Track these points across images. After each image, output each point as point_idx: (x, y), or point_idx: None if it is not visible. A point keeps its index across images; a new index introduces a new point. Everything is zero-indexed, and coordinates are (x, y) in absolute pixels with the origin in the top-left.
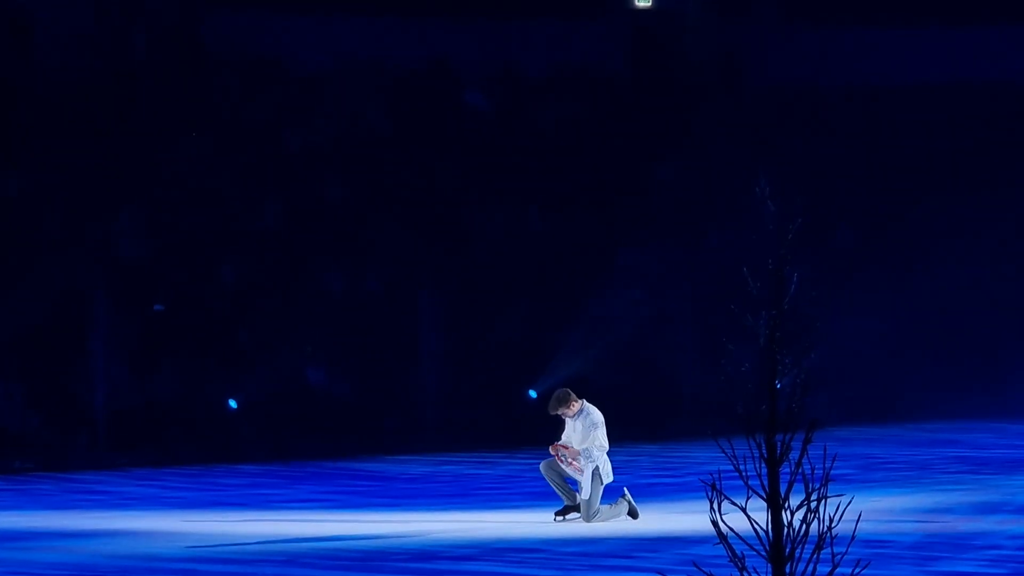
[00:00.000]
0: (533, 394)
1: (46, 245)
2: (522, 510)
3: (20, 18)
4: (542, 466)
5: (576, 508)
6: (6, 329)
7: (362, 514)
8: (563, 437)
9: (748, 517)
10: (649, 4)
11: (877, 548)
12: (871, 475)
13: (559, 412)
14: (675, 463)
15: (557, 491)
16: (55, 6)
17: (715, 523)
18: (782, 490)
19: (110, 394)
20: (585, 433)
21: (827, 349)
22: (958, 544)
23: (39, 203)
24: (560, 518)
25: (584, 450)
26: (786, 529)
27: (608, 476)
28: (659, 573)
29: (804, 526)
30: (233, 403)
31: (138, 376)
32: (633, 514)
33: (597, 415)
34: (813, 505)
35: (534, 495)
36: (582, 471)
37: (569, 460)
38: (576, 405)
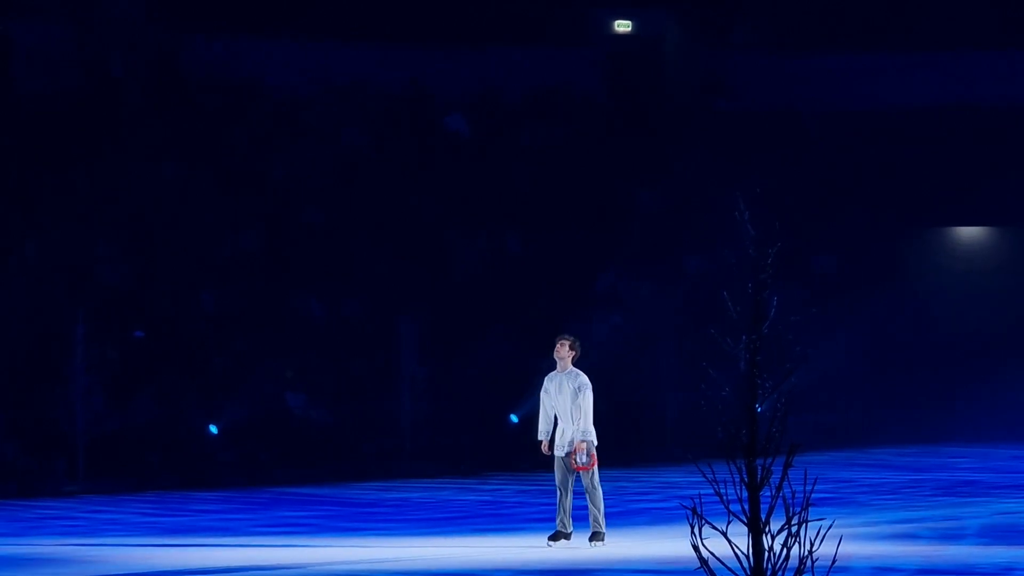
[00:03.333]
0: (514, 419)
1: (24, 272)
2: (504, 534)
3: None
4: (560, 480)
5: (567, 536)
6: None
7: (341, 539)
8: (545, 396)
9: (729, 542)
10: (629, 29)
11: (858, 571)
12: (851, 499)
13: (566, 350)
14: (656, 488)
15: (560, 513)
16: (33, 31)
17: (696, 548)
18: (763, 514)
19: (89, 420)
20: (574, 394)
21: (807, 373)
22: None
23: (19, 229)
24: (552, 543)
25: (586, 432)
26: (767, 553)
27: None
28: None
29: (785, 550)
30: (214, 428)
31: (117, 402)
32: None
33: (585, 377)
34: (794, 529)
35: (515, 519)
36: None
37: (584, 458)
38: (575, 355)
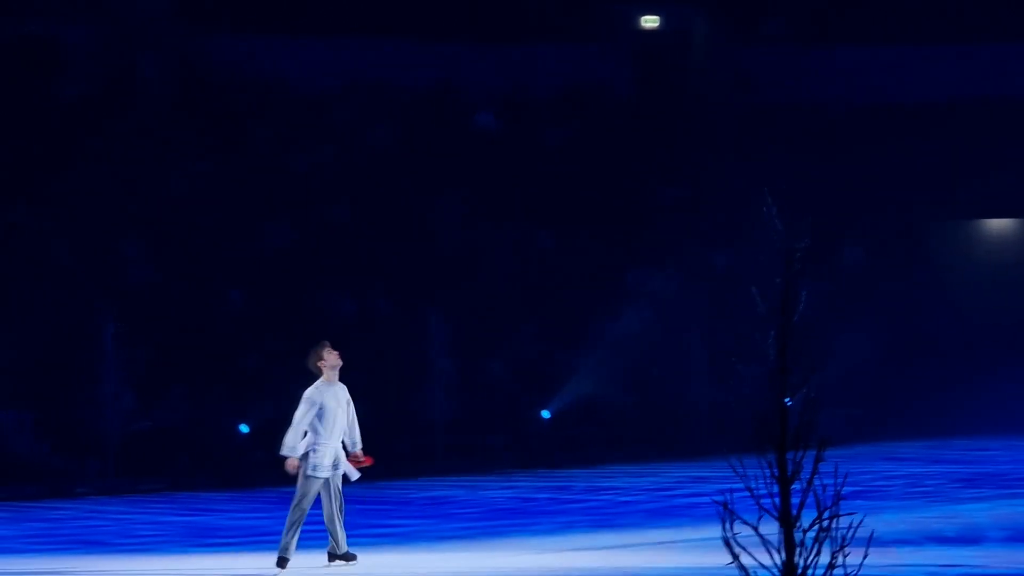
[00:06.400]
0: (546, 415)
1: (55, 272)
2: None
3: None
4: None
5: (343, 557)
6: (16, 357)
7: (375, 537)
8: (326, 411)
9: (760, 536)
10: (656, 25)
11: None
12: (882, 492)
13: (325, 362)
14: (687, 483)
15: (337, 532)
16: (60, 31)
17: (727, 542)
18: (794, 509)
19: (120, 420)
20: (347, 407)
21: (835, 366)
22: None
23: (47, 231)
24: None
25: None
26: (798, 548)
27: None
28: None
29: (816, 544)
30: (245, 428)
31: (147, 402)
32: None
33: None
34: (825, 524)
35: (547, 514)
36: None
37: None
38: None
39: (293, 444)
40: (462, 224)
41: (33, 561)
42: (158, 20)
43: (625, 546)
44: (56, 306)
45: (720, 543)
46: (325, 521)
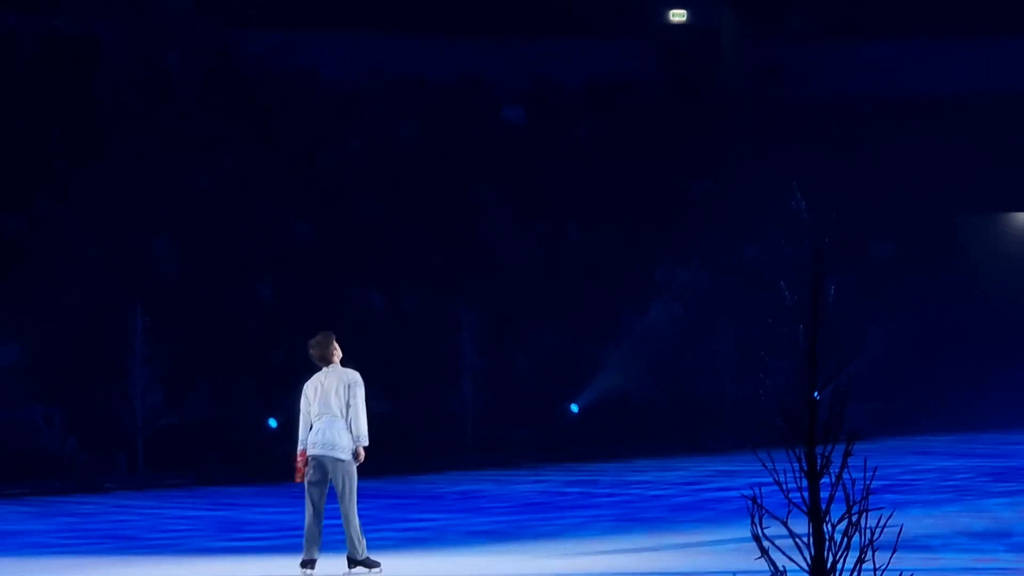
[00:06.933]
0: (575, 408)
1: (83, 267)
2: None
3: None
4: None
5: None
6: (44, 352)
7: (404, 532)
8: (314, 398)
9: (789, 531)
10: (684, 19)
11: (918, 561)
12: (911, 486)
13: (326, 356)
14: (716, 477)
15: (311, 535)
16: (89, 28)
17: (756, 537)
18: (823, 503)
19: (148, 415)
20: (349, 392)
21: (865, 359)
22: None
23: (76, 226)
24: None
25: (360, 438)
26: (827, 543)
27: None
28: None
29: (846, 539)
30: (273, 422)
31: (175, 397)
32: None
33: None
34: (854, 518)
35: (576, 508)
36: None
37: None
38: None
39: (301, 437)
40: (490, 218)
41: (70, 560)
42: (187, 16)
43: (650, 549)
44: (84, 301)
45: (744, 543)
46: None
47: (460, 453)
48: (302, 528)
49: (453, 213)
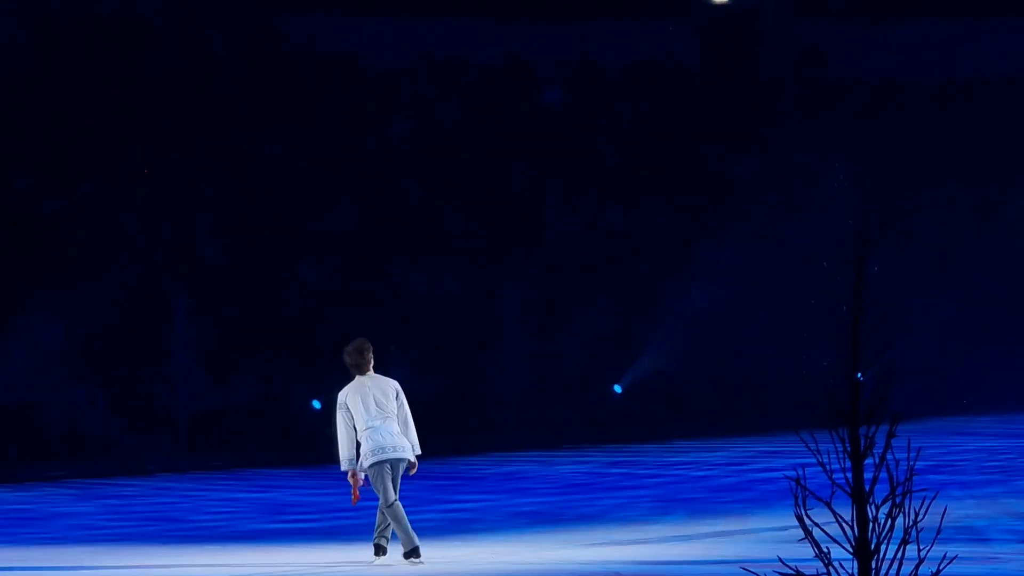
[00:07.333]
0: (618, 389)
1: (126, 249)
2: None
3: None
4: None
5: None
6: (87, 334)
7: (448, 513)
8: (362, 408)
9: (833, 512)
10: (726, 0)
11: (962, 542)
12: (955, 467)
13: (362, 365)
14: (756, 458)
15: (405, 530)
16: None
17: (800, 518)
18: (866, 484)
19: (191, 397)
20: (399, 400)
21: (908, 340)
22: None
23: (119, 207)
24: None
25: (416, 447)
26: (871, 523)
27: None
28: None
29: (890, 521)
30: (317, 404)
31: (218, 378)
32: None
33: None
34: (898, 499)
35: (619, 489)
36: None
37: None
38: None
39: (347, 456)
40: (534, 200)
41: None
42: None
43: (685, 537)
44: (128, 283)
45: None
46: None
47: (504, 434)
48: (346, 509)
49: (496, 195)
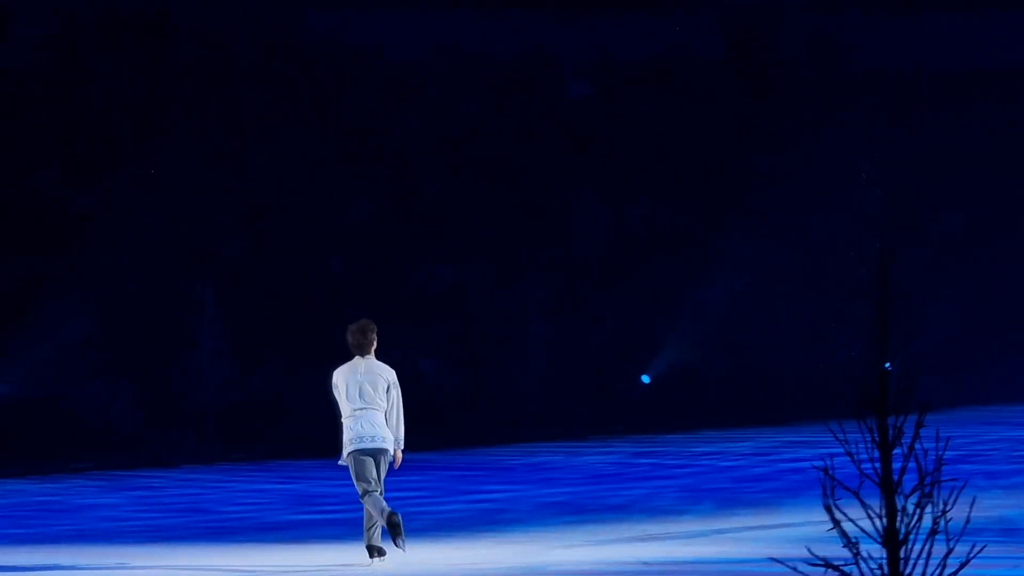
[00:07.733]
0: (646, 380)
1: (152, 243)
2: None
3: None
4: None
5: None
6: (113, 327)
7: (476, 503)
8: (351, 390)
9: (861, 502)
10: None
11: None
12: (983, 456)
13: (364, 345)
14: (782, 448)
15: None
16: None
17: (828, 508)
18: (895, 474)
19: (217, 389)
20: (390, 393)
21: (935, 330)
22: None
23: (144, 201)
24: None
25: (401, 441)
26: (899, 513)
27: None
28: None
29: (918, 511)
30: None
31: (244, 371)
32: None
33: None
34: (927, 489)
35: (647, 479)
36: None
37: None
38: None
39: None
40: (557, 193)
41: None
42: None
43: (717, 531)
44: (153, 277)
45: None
46: None
47: (530, 425)
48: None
49: (520, 188)
